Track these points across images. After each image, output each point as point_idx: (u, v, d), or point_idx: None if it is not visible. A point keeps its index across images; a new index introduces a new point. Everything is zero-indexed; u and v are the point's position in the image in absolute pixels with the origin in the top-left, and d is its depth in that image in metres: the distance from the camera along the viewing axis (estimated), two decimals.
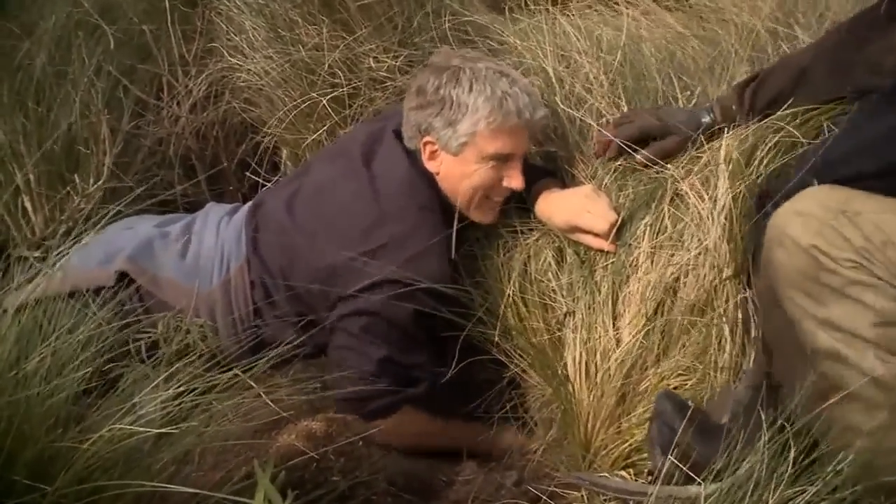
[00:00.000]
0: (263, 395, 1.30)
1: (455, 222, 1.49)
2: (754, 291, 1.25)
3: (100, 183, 1.77)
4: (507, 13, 1.89)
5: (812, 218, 1.10)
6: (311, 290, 1.44)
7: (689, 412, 1.12)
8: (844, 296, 1.07)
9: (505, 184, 1.47)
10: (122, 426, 0.82)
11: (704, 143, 1.36)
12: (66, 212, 1.76)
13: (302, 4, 1.82)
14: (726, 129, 1.36)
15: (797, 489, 0.83)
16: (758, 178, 1.26)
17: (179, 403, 1.03)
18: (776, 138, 1.29)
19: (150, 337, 1.33)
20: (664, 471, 1.07)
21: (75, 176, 1.74)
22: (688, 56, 1.64)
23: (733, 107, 1.40)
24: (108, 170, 1.78)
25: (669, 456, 1.07)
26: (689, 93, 1.54)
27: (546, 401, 1.53)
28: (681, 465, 1.05)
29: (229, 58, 1.93)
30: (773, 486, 0.79)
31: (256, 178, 1.98)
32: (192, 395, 1.06)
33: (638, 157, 1.43)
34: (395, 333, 1.42)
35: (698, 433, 1.09)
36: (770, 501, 0.71)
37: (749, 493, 0.82)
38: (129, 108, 1.90)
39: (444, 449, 1.47)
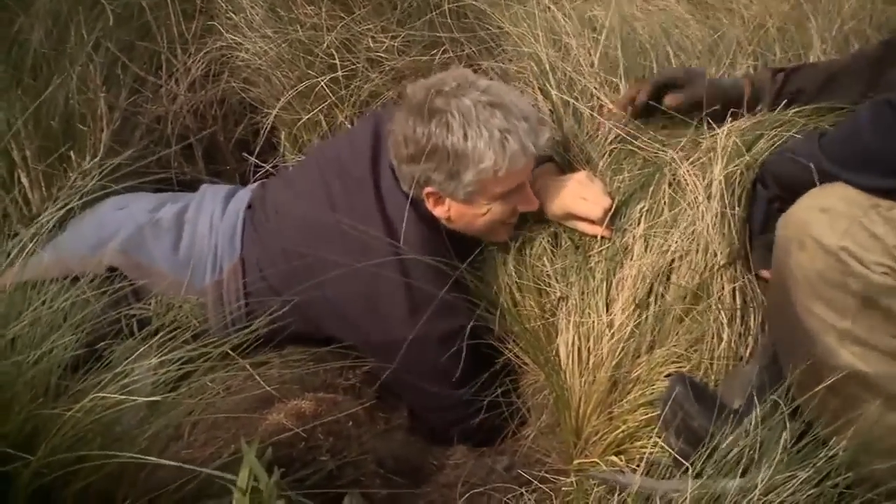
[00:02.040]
0: (252, 372, 1.30)
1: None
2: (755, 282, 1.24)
3: (96, 160, 1.75)
4: None
5: (840, 216, 1.01)
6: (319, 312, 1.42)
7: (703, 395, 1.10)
8: (873, 306, 0.98)
9: (520, 209, 1.42)
10: (105, 395, 0.81)
11: (706, 128, 1.35)
12: (62, 188, 1.74)
13: None
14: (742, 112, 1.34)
15: (788, 474, 0.82)
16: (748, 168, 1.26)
17: (166, 372, 1.03)
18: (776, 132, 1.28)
19: (140, 313, 1.32)
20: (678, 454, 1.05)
21: (72, 153, 1.73)
22: (686, 38, 1.61)
23: (766, 86, 1.35)
24: (104, 147, 1.77)
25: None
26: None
27: (539, 386, 1.53)
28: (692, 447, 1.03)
29: (228, 36, 1.91)
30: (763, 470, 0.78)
31: (254, 158, 1.94)
32: (179, 364, 1.05)
33: (666, 100, 1.37)
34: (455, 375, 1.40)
35: (706, 413, 1.07)
36: (759, 486, 0.69)
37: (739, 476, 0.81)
38: (127, 85, 1.88)
39: None
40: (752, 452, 0.93)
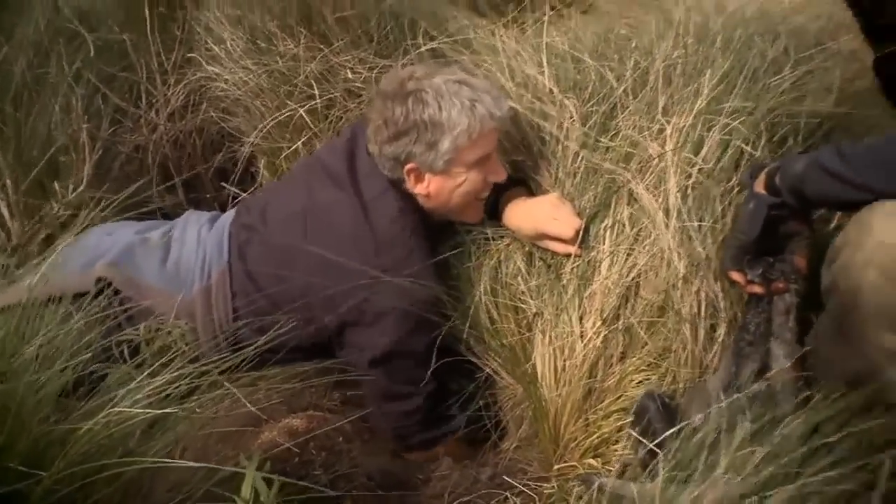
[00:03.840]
0: (240, 396, 1.34)
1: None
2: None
3: (79, 190, 1.79)
4: (472, 32, 1.94)
5: None
6: (307, 305, 1.46)
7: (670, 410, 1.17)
8: None
9: (490, 179, 1.53)
10: (121, 409, 0.85)
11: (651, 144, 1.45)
12: (44, 218, 1.77)
13: (280, 16, 1.87)
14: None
15: (748, 450, 0.86)
16: (706, 176, 1.35)
17: (165, 395, 1.07)
18: (718, 136, 1.40)
19: (131, 340, 1.35)
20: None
21: (55, 183, 1.76)
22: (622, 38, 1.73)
23: None
24: (87, 177, 1.80)
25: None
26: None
27: (518, 400, 1.60)
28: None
29: (207, 67, 1.96)
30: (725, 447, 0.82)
31: (232, 188, 2.02)
32: (173, 388, 1.10)
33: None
34: (413, 361, 1.48)
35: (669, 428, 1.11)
36: (722, 462, 0.76)
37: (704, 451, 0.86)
38: (108, 115, 1.92)
39: None
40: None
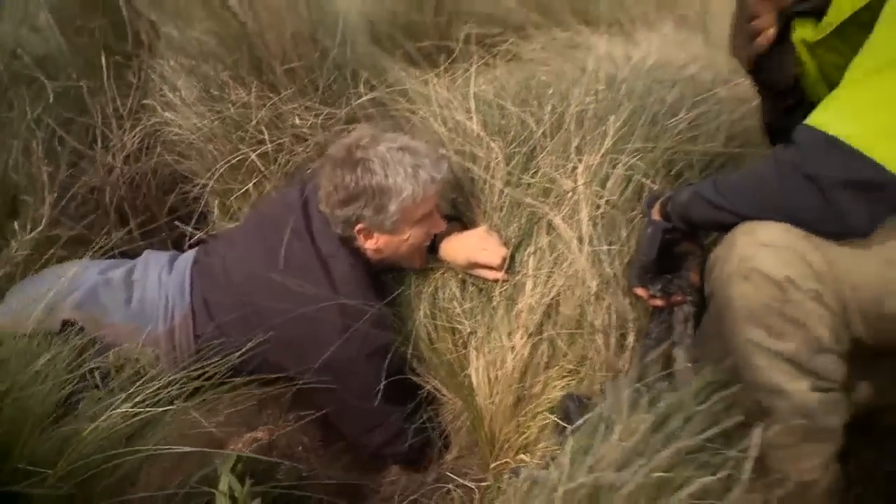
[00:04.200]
0: (200, 418, 1.45)
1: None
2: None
3: (38, 230, 1.88)
4: (408, 82, 2.10)
5: (785, 249, 1.13)
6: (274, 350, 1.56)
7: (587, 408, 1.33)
8: (802, 327, 1.13)
9: (432, 232, 1.68)
10: (126, 409, 0.98)
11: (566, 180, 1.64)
12: (2, 257, 1.85)
13: (232, 67, 1.98)
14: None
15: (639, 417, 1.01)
16: (612, 207, 1.56)
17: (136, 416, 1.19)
18: (622, 172, 1.60)
19: (101, 367, 1.46)
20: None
21: (15, 224, 1.84)
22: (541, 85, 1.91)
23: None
24: (46, 217, 1.89)
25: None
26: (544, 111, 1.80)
27: (457, 413, 1.76)
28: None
29: (163, 112, 2.07)
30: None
31: (187, 227, 2.11)
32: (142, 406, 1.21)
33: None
34: (382, 396, 1.59)
35: None
36: (616, 430, 0.92)
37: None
38: (65, 157, 2.00)
39: None
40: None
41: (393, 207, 1.59)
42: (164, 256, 1.80)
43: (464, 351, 1.66)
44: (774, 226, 1.16)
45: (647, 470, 0.87)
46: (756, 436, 1.00)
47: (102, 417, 0.98)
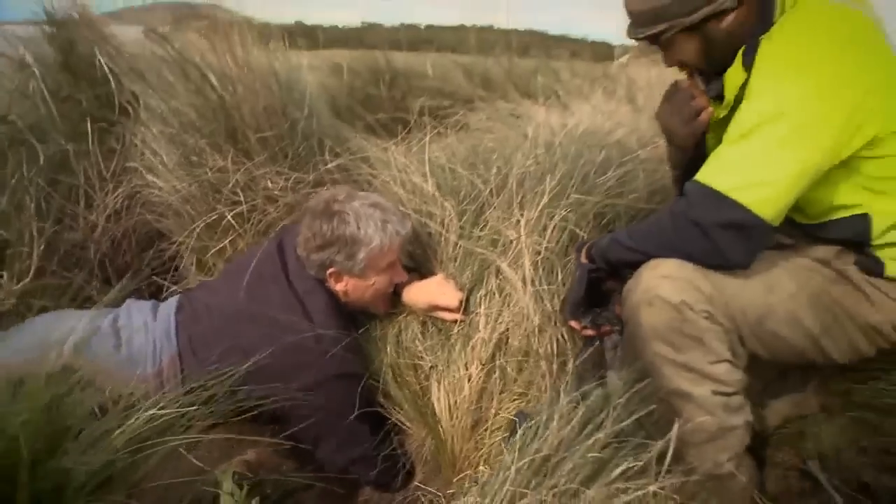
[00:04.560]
0: (183, 452, 1.60)
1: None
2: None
3: (25, 281, 2.01)
4: (369, 150, 2.32)
5: (678, 279, 1.36)
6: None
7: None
8: (699, 342, 1.36)
9: (395, 281, 1.89)
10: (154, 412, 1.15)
11: (511, 231, 1.88)
12: None
13: (209, 135, 2.18)
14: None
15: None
16: (550, 253, 1.81)
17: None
18: (558, 223, 1.85)
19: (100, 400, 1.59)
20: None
21: (3, 273, 1.97)
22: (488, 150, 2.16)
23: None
24: (34, 268, 2.03)
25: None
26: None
27: (421, 443, 1.93)
28: None
29: (145, 175, 2.23)
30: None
31: (163, 282, 2.27)
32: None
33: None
34: (355, 419, 1.74)
35: None
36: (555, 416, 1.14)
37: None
38: (53, 215, 2.15)
39: None
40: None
41: (362, 255, 1.80)
42: (146, 304, 1.94)
43: (426, 383, 1.86)
44: (672, 262, 1.41)
45: (584, 450, 1.09)
46: (675, 430, 1.23)
47: (134, 419, 1.14)
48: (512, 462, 1.08)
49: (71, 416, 1.21)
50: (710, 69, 1.53)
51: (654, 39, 1.51)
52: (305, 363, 1.71)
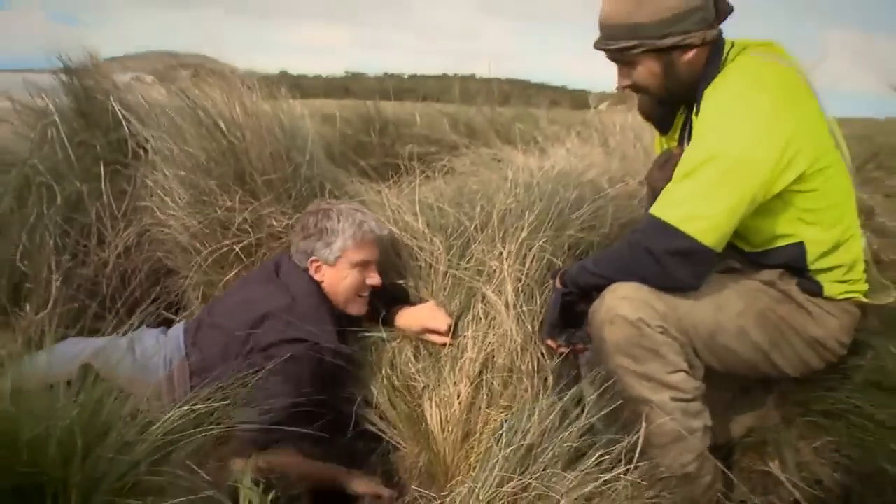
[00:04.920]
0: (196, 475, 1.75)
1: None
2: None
3: (45, 312, 2.17)
4: (365, 192, 2.51)
5: (635, 300, 1.52)
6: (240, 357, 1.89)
7: None
8: (656, 354, 1.53)
9: (368, 282, 2.10)
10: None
11: (494, 262, 2.09)
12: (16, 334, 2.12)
13: (219, 177, 2.35)
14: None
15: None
16: (530, 280, 2.01)
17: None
18: (536, 254, 2.04)
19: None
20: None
21: (27, 305, 2.13)
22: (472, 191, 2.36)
23: None
24: (52, 301, 2.19)
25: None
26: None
27: (415, 460, 2.08)
28: None
29: (158, 214, 2.40)
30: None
31: (171, 316, 2.43)
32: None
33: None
34: (293, 381, 1.83)
35: None
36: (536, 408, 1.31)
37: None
38: (69, 251, 2.31)
39: (312, 482, 1.87)
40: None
41: (337, 244, 2.05)
42: (156, 329, 2.13)
43: (419, 401, 2.02)
44: (630, 285, 1.60)
45: (561, 440, 1.27)
46: (642, 426, 1.42)
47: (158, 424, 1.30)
48: (500, 451, 1.26)
49: (112, 418, 1.35)
50: (662, 95, 1.70)
51: (618, 53, 1.65)
52: (275, 326, 1.91)
